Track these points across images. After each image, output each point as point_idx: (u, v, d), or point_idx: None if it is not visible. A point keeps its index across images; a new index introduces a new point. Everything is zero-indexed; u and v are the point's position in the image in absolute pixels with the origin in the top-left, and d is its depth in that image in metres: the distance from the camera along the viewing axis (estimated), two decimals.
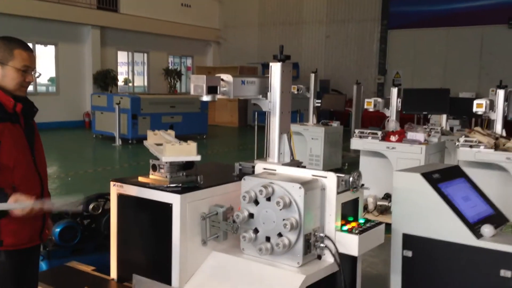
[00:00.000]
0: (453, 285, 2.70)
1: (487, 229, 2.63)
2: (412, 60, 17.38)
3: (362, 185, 2.76)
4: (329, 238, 2.58)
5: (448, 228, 2.69)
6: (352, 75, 16.79)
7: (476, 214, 2.82)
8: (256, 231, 2.61)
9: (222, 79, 2.91)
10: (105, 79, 16.40)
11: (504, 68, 15.10)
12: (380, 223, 2.76)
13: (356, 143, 6.33)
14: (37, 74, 2.44)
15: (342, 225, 2.64)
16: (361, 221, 2.75)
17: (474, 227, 2.67)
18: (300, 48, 18.89)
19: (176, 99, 14.25)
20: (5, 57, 2.26)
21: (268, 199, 2.54)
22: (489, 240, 2.60)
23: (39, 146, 2.46)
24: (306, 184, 2.51)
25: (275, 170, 2.81)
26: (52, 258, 3.61)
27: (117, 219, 3.01)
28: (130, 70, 18.62)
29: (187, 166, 2.88)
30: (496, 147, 5.33)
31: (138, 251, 2.95)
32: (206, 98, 2.82)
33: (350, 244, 2.56)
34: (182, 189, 2.72)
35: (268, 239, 2.57)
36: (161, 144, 3.01)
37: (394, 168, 5.63)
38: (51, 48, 15.73)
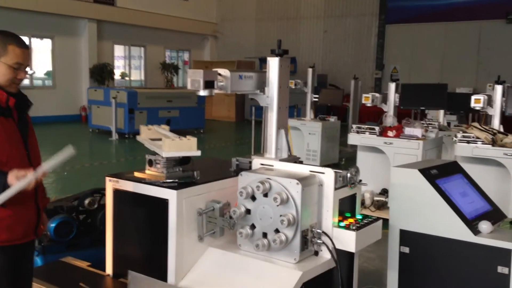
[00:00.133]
0: (450, 281, 2.70)
1: (484, 226, 2.62)
2: (410, 55, 17.35)
3: (360, 181, 2.75)
4: (326, 234, 2.57)
5: (445, 224, 2.69)
6: (349, 70, 16.73)
7: (474, 210, 2.81)
8: (253, 227, 2.60)
9: (220, 74, 2.88)
10: (101, 73, 16.33)
11: (501, 63, 15.09)
12: (377, 219, 2.75)
13: (353, 138, 6.32)
14: (30, 72, 2.40)
15: (340, 221, 2.63)
16: (359, 217, 2.74)
17: (472, 223, 2.66)
18: (298, 42, 18.83)
19: (173, 94, 14.20)
20: None
21: (265, 195, 2.53)
22: (486, 236, 2.59)
23: (33, 140, 2.43)
24: (304, 180, 2.50)
25: (272, 166, 2.79)
26: (47, 254, 3.59)
27: (113, 214, 2.99)
28: (127, 64, 18.53)
29: (184, 161, 2.86)
30: (494, 142, 5.32)
31: (134, 247, 2.94)
32: (203, 92, 2.79)
33: (347, 240, 2.55)
34: (179, 185, 2.70)
35: (265, 235, 2.56)
36: (158, 139, 2.99)
37: (391, 163, 5.63)
38: (47, 42, 15.64)
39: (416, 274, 2.81)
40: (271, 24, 19.79)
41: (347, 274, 2.83)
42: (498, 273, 2.51)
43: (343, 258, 2.67)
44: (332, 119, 9.21)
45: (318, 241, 2.57)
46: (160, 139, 3.00)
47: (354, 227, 2.57)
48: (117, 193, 2.93)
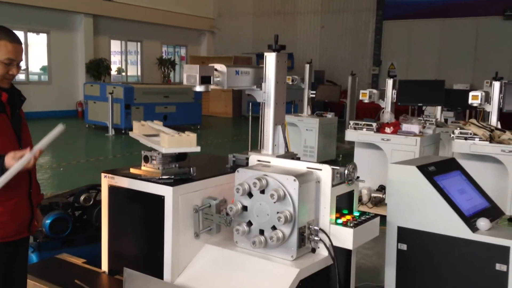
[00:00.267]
0: (448, 279, 2.68)
1: (483, 223, 2.60)
2: (407, 51, 17.34)
3: (357, 177, 2.73)
4: (323, 231, 2.55)
5: (443, 222, 2.67)
6: (346, 66, 16.71)
7: (472, 207, 2.80)
8: (249, 224, 2.58)
9: (216, 69, 2.85)
10: (98, 68, 16.25)
11: (498, 60, 15.11)
12: (375, 216, 2.73)
13: (350, 135, 6.30)
14: (23, 67, 2.36)
15: (337, 218, 2.61)
16: (356, 214, 2.72)
17: (470, 221, 2.65)
18: (295, 38, 18.79)
19: (170, 89, 14.13)
20: None
21: (262, 191, 2.50)
22: (485, 233, 2.58)
23: (27, 136, 2.40)
24: (301, 177, 2.47)
25: (269, 162, 2.77)
26: (42, 250, 3.56)
27: (108, 211, 2.96)
28: (124, 59, 18.46)
29: (180, 157, 2.83)
30: (491, 139, 5.32)
31: (129, 244, 2.91)
32: (199, 88, 2.76)
33: (344, 238, 2.53)
34: (175, 181, 2.68)
35: (261, 232, 2.54)
36: (153, 135, 2.96)
37: (389, 160, 5.61)
38: (43, 37, 15.55)
39: (414, 272, 2.80)
40: (268, 20, 19.74)
41: (345, 271, 2.81)
42: (496, 270, 2.49)
43: (341, 255, 2.65)
44: (330, 115, 9.19)
45: (315, 238, 2.55)
46: (155, 135, 2.96)
47: (351, 224, 2.55)
48: (113, 189, 2.91)
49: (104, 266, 3.02)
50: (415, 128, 5.91)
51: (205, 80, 2.75)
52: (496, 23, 15.74)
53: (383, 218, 2.83)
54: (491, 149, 5.27)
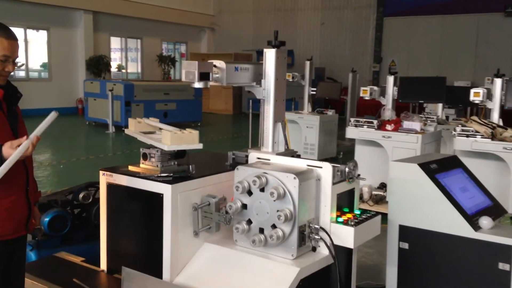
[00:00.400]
0: (450, 278, 2.66)
1: (485, 221, 2.58)
2: (408, 48, 17.29)
3: (358, 175, 2.70)
4: (324, 229, 2.52)
5: (445, 220, 2.64)
6: (347, 63, 16.66)
7: (474, 206, 2.77)
8: (249, 222, 2.55)
9: (215, 66, 2.82)
10: (98, 65, 16.21)
11: (499, 57, 15.06)
12: (376, 214, 2.70)
13: (351, 132, 6.27)
14: (19, 64, 2.32)
15: (338, 216, 2.58)
16: (357, 212, 2.69)
17: (472, 219, 2.62)
18: (295, 35, 18.73)
19: (170, 86, 14.10)
20: None
21: (262, 189, 2.47)
22: (487, 232, 2.55)
23: (23, 132, 2.37)
24: (301, 175, 2.44)
25: (269, 160, 2.74)
26: (41, 248, 3.54)
27: (107, 209, 2.94)
28: (124, 56, 18.41)
29: (179, 155, 2.80)
30: (493, 136, 5.28)
31: (128, 242, 2.89)
32: (198, 84, 2.73)
33: (345, 236, 2.50)
34: (174, 179, 2.65)
35: (261, 230, 2.51)
36: (150, 132, 2.93)
37: (390, 157, 5.58)
38: (43, 33, 15.50)
39: (416, 270, 2.77)
40: (268, 16, 19.66)
41: (346, 270, 2.78)
42: (499, 269, 2.46)
43: (341, 254, 2.63)
44: (330, 112, 9.16)
45: (316, 236, 2.52)
46: (151, 132, 2.94)
47: (352, 223, 2.52)
48: (111, 187, 2.88)
49: (103, 265, 3.00)
50: (416, 125, 5.87)
51: (204, 76, 2.72)
52: (497, 19, 15.68)
53: (384, 216, 2.80)
54: (493, 147, 5.22)
